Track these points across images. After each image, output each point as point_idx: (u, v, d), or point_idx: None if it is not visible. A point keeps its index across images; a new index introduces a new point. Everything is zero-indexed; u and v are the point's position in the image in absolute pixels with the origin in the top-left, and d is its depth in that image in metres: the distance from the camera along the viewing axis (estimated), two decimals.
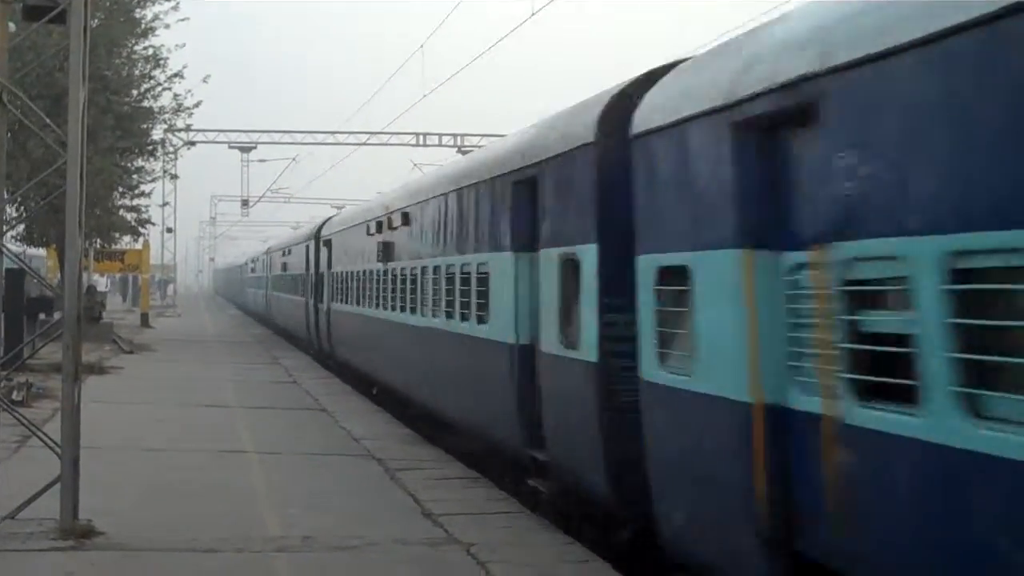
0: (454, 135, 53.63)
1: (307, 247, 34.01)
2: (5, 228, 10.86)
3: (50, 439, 9.85)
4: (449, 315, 14.65)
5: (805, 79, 6.22)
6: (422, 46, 39.92)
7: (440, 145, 53.54)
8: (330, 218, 33.14)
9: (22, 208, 27.53)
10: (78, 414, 9.83)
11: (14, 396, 16.89)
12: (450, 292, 14.56)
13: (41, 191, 24.12)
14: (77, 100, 9.79)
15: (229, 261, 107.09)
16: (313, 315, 31.53)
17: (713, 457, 7.25)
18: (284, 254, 42.68)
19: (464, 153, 46.74)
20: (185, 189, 57.97)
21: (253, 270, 61.76)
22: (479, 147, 45.64)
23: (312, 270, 32.29)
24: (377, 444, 15.53)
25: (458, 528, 10.36)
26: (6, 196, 11.62)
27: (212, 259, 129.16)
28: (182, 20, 34.74)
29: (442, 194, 15.45)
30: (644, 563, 9.14)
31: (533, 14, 28.76)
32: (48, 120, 11.07)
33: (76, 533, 9.40)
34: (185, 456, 14.24)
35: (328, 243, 29.23)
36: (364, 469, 13.76)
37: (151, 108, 35.43)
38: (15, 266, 16.77)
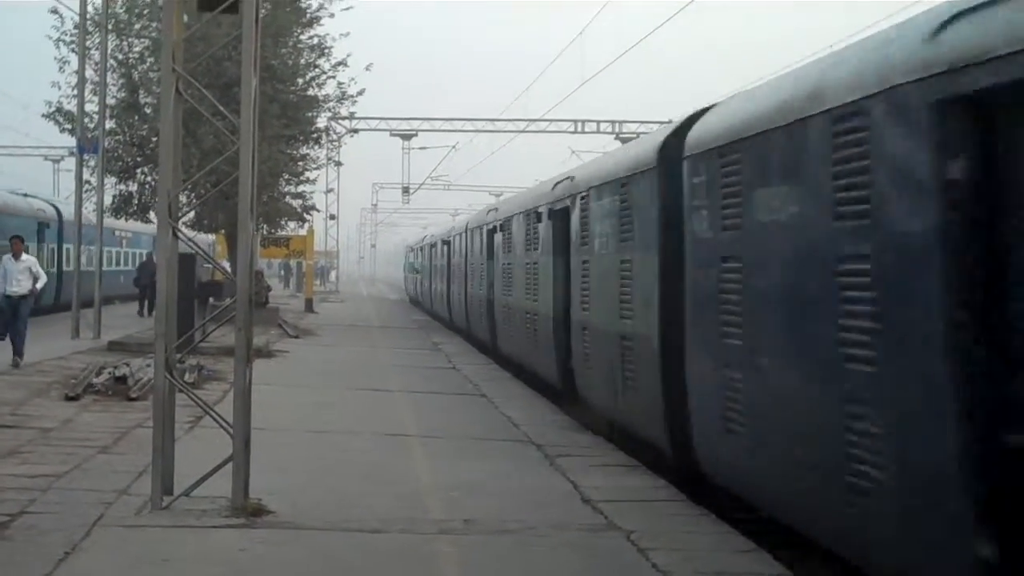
0: (612, 122, 53.51)
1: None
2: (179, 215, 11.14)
3: (223, 420, 10.12)
4: None
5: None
6: (581, 32, 39.97)
7: (598, 132, 53.48)
8: None
9: (192, 195, 28.37)
10: (249, 395, 10.09)
11: (186, 378, 17.43)
12: None
13: (211, 178, 24.83)
14: (249, 88, 10.01)
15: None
16: None
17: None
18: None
19: (623, 140, 46.58)
20: (347, 176, 58.95)
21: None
22: (637, 134, 45.44)
23: None
24: (536, 430, 15.60)
25: (618, 515, 10.34)
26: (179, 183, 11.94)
27: (374, 245, 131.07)
28: (346, 9, 35.39)
29: None
30: (800, 550, 9.03)
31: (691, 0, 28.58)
32: (221, 107, 11.35)
33: (247, 511, 9.66)
34: (349, 438, 14.52)
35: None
36: (524, 454, 13.83)
37: (316, 96, 36.12)
38: (188, 251, 17.24)
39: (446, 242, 39.29)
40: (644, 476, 12.61)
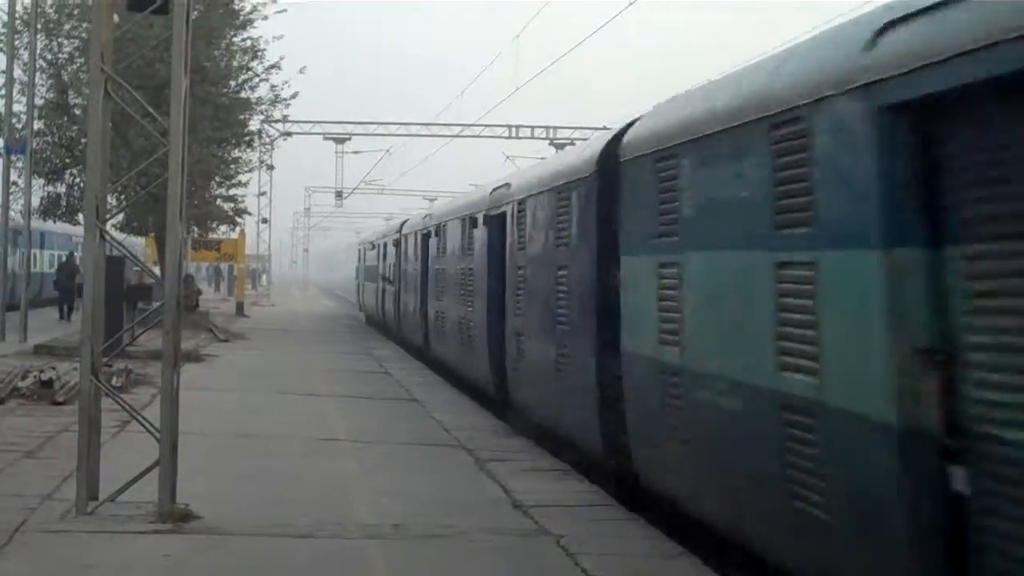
0: (546, 127, 53.56)
1: None
2: (107, 217, 11.04)
3: (150, 424, 10.03)
4: None
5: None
6: (517, 37, 40.06)
7: (532, 138, 53.50)
8: None
9: (122, 197, 28.08)
10: (177, 399, 10.00)
11: (113, 382, 17.23)
12: None
13: (141, 180, 24.59)
14: (179, 89, 9.93)
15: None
16: None
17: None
18: None
19: (557, 147, 46.66)
20: (280, 180, 58.62)
21: None
22: (572, 140, 45.57)
23: None
24: (467, 435, 15.58)
25: (548, 519, 10.36)
26: (108, 185, 11.82)
27: (306, 249, 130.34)
28: (280, 12, 35.22)
29: None
30: (732, 556, 9.09)
31: (631, 3, 28.71)
32: (151, 109, 11.25)
33: (174, 516, 9.56)
34: (279, 443, 14.42)
35: None
36: (454, 459, 13.82)
37: (248, 99, 35.93)
38: (116, 254, 17.05)
39: (482, 221, 19.31)
40: (574, 481, 12.64)
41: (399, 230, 34.41)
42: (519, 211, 15.97)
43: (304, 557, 8.86)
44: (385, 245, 38.41)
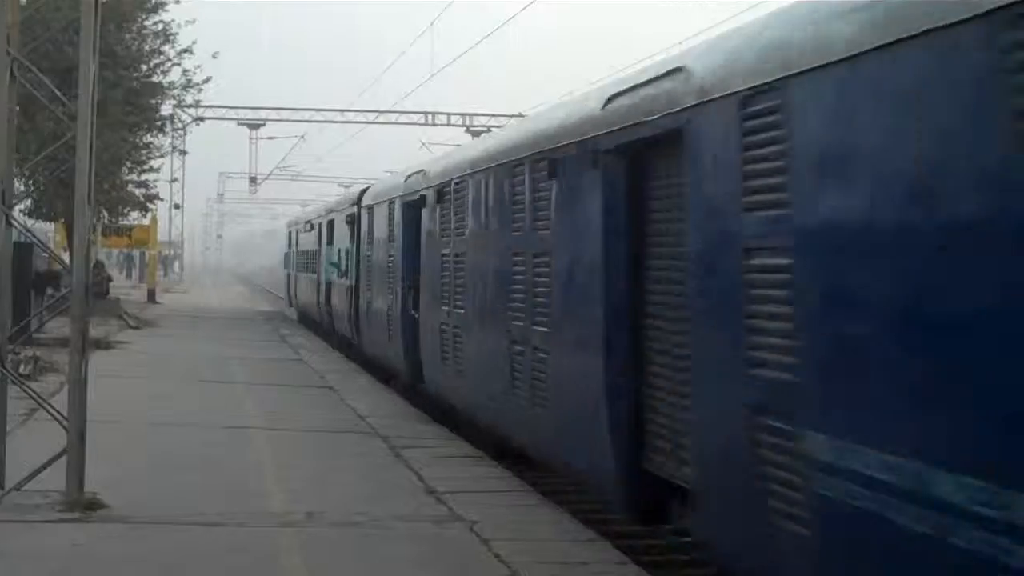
0: (463, 114, 53.50)
1: None
2: (13, 202, 10.87)
3: (57, 412, 9.89)
4: None
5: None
6: (432, 24, 39.98)
7: (449, 124, 53.41)
8: None
9: (30, 182, 27.58)
10: (85, 387, 9.87)
11: (21, 370, 16.95)
12: None
13: (50, 165, 24.18)
14: (88, 72, 9.79)
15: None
16: None
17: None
18: None
19: (474, 134, 46.62)
20: (193, 166, 57.85)
21: None
22: (488, 128, 45.55)
23: None
24: (382, 422, 15.55)
25: (462, 506, 10.38)
26: (14, 170, 11.65)
27: (220, 236, 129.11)
28: None
29: None
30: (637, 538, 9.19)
31: None
32: (59, 93, 11.08)
33: (82, 505, 9.44)
34: (190, 431, 14.28)
35: None
36: (369, 446, 13.79)
37: (160, 83, 35.45)
38: (23, 240, 16.77)
39: (584, 160, 9.74)
40: (488, 467, 12.68)
41: (357, 201, 24.93)
42: (748, 120, 6.84)
43: (215, 546, 8.77)
44: (332, 224, 29.63)
